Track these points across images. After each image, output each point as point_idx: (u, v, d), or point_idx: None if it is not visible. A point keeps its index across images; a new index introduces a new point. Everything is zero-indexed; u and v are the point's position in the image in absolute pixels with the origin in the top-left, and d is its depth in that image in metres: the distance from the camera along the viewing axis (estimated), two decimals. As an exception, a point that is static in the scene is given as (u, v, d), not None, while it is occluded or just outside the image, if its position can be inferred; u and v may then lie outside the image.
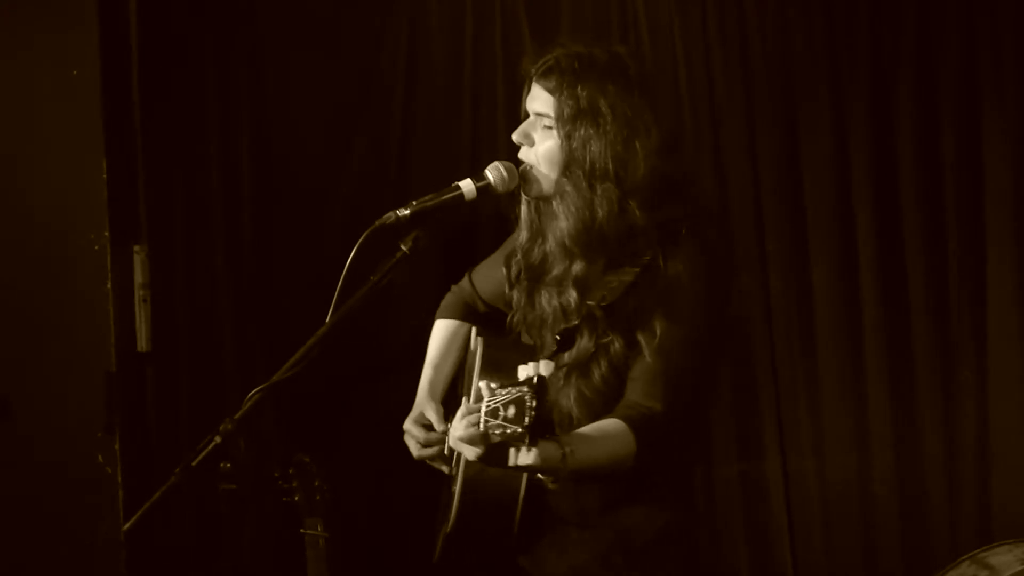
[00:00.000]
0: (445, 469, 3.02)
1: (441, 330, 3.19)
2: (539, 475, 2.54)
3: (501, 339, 2.96)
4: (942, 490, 4.18)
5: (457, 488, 2.75)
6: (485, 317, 3.15)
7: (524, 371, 2.31)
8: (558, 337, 2.63)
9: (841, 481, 4.26)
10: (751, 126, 4.31)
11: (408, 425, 3.05)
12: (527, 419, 2.28)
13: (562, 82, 2.75)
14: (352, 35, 4.45)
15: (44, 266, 4.25)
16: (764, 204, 4.31)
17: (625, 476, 2.65)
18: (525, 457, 2.33)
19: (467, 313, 3.18)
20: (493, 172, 2.80)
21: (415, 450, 3.03)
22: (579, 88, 2.73)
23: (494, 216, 3.02)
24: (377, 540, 4.28)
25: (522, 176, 2.81)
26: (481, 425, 2.37)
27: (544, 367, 2.30)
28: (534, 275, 2.87)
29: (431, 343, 3.19)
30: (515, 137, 2.82)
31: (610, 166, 2.71)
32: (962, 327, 4.18)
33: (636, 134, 2.73)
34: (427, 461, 3.04)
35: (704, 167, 4.27)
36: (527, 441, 2.30)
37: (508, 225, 2.99)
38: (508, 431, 2.31)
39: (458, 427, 2.46)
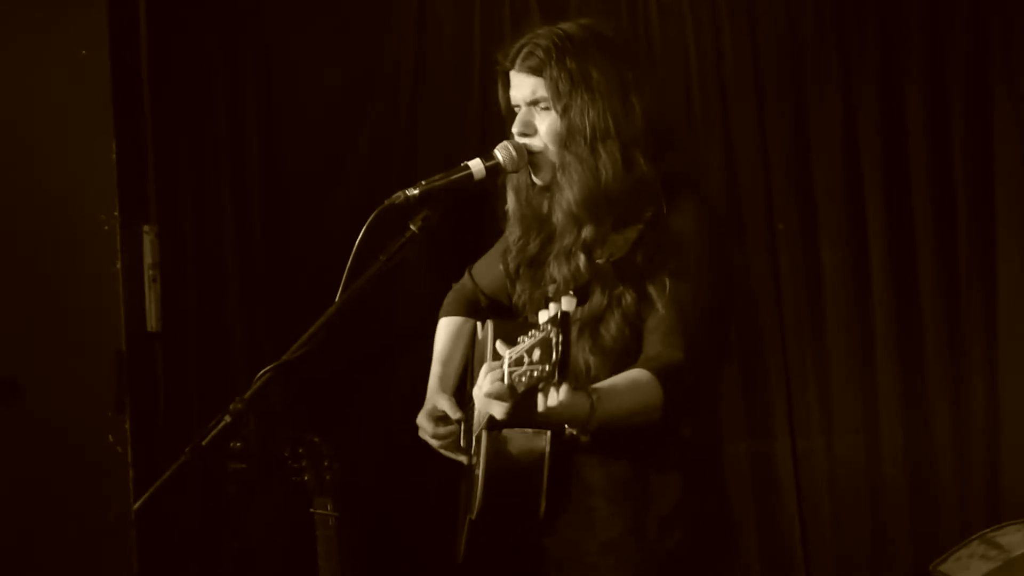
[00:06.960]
0: (463, 459, 2.99)
1: (446, 326, 3.18)
2: (567, 427, 2.55)
3: (511, 321, 2.94)
4: (951, 470, 4.18)
5: (480, 472, 2.71)
6: (488, 311, 3.14)
7: (545, 314, 2.25)
8: (571, 295, 2.63)
9: (850, 461, 4.25)
10: (761, 106, 4.29)
11: (421, 420, 3.02)
12: (555, 355, 2.19)
13: (548, 60, 2.75)
14: (359, 15, 4.43)
15: (53, 246, 4.23)
16: (774, 185, 4.29)
17: (652, 430, 2.64)
18: (555, 397, 2.26)
19: (470, 309, 3.18)
20: (502, 151, 2.78)
21: (433, 443, 3.01)
22: (567, 61, 2.74)
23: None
24: (387, 520, 4.28)
25: (532, 164, 2.80)
26: (505, 377, 2.31)
27: (566, 303, 2.22)
28: (535, 262, 2.87)
29: (437, 340, 3.18)
30: (515, 130, 2.81)
31: (610, 124, 2.72)
32: (972, 307, 4.17)
33: (630, 90, 2.75)
34: (444, 453, 3.02)
35: (714, 147, 4.26)
36: (556, 379, 2.20)
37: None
38: (535, 373, 2.22)
39: (483, 383, 2.39)
